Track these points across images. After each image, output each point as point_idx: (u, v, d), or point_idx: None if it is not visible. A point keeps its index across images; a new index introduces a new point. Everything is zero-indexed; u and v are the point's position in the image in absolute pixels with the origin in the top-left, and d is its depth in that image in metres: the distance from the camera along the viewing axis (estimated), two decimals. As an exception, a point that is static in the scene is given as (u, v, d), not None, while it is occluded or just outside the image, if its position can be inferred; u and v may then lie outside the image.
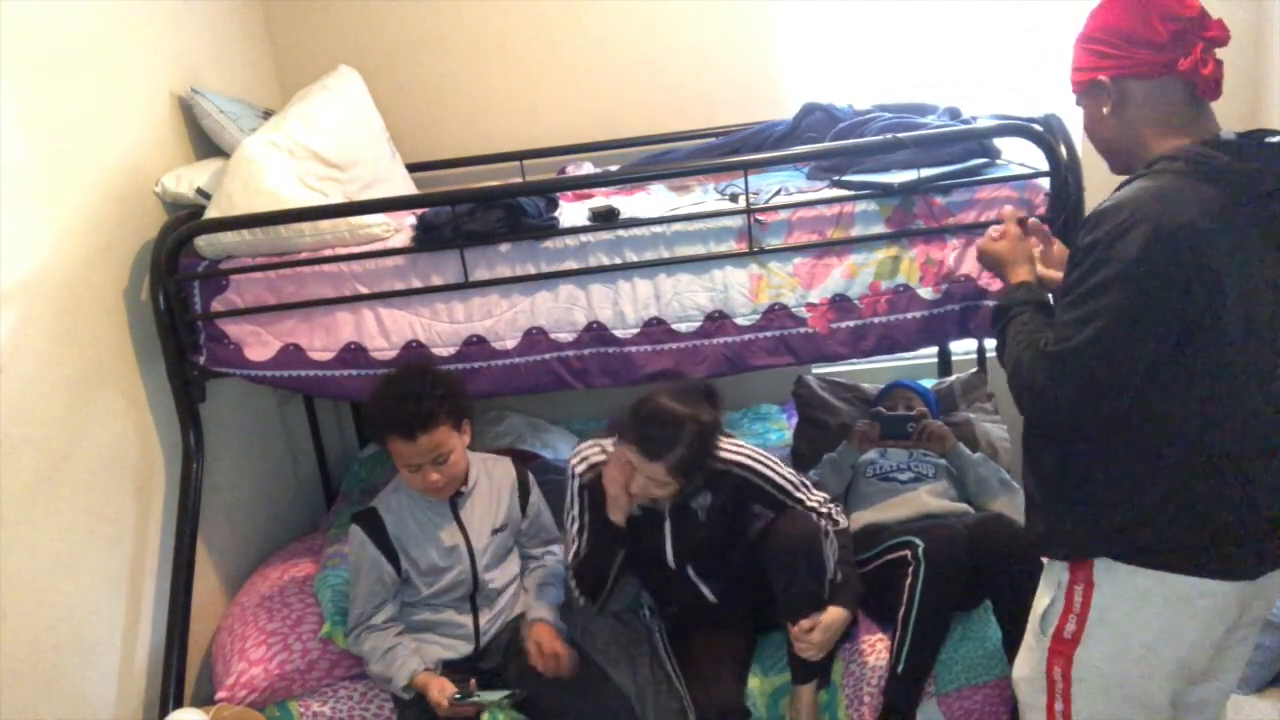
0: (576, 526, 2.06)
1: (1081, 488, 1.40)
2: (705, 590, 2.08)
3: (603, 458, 2.03)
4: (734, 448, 2.05)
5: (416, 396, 1.88)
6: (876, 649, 2.07)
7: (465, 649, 2.05)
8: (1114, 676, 1.42)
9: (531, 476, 2.19)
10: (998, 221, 2.04)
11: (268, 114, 2.51)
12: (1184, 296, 1.27)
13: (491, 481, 2.11)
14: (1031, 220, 1.80)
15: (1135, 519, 1.36)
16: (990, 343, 2.97)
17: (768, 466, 2.05)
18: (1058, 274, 1.59)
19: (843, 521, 2.07)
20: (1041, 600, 1.50)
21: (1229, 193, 1.30)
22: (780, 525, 1.99)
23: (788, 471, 2.08)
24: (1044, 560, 1.55)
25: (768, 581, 1.99)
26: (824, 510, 2.05)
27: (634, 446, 1.86)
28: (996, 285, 2.08)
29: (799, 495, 2.06)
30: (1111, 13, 1.39)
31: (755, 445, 2.11)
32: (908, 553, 2.01)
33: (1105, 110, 1.42)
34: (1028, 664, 1.54)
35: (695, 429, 1.84)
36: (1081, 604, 1.42)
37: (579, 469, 2.06)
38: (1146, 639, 1.39)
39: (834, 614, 1.94)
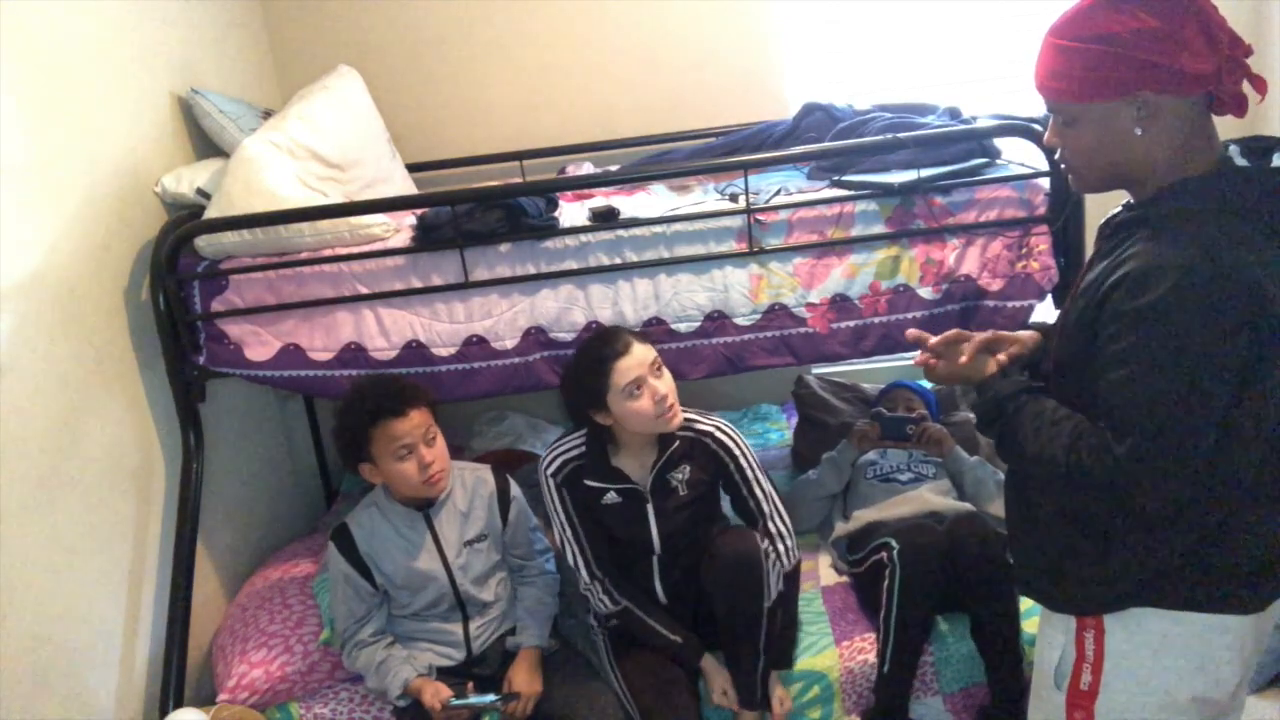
0: (568, 531, 2.01)
1: (1098, 543, 1.30)
2: (658, 586, 2.03)
3: (576, 453, 2.01)
4: (711, 420, 2.04)
5: (394, 379, 1.98)
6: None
7: (457, 655, 2.04)
8: None
9: (514, 485, 2.13)
10: (998, 221, 2.06)
11: (268, 114, 2.50)
12: (1247, 350, 1.17)
13: (467, 491, 2.07)
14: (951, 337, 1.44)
15: (1157, 572, 1.27)
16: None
17: (743, 450, 2.03)
18: (1019, 337, 1.44)
19: (797, 559, 2.01)
20: (1050, 650, 1.39)
21: (1263, 228, 1.20)
22: (722, 541, 1.94)
23: (767, 482, 2.04)
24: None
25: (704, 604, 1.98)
26: (784, 535, 1.99)
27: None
28: (997, 285, 2.07)
29: (763, 495, 2.01)
30: (1153, 16, 1.18)
31: (754, 446, 2.09)
32: (884, 555, 2.02)
33: (1137, 130, 1.22)
34: (1045, 718, 1.43)
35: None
36: (1095, 652, 1.32)
37: (550, 471, 2.01)
38: (1168, 683, 1.30)
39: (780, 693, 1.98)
